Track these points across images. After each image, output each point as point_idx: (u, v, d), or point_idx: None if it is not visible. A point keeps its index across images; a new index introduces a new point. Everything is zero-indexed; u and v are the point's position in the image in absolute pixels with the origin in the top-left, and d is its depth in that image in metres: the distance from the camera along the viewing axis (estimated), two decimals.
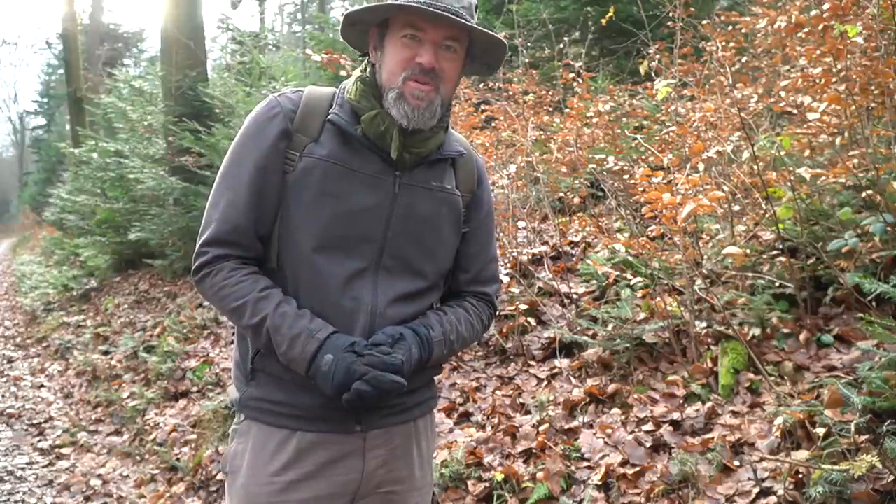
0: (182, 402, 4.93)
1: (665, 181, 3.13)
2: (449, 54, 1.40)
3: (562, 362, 3.39)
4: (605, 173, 4.64)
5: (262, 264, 1.44)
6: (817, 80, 3.38)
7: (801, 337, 2.86)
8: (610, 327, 3.31)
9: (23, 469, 4.53)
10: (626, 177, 4.22)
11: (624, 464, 2.61)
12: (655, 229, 3.52)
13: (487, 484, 2.75)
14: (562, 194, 5.02)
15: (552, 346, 3.53)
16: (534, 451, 2.85)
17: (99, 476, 4.37)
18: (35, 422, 5.55)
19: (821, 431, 2.28)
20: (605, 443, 2.76)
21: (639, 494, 2.46)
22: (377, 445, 1.46)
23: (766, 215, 3.23)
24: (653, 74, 4.73)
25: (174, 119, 7.46)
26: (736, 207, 3.54)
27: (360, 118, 1.41)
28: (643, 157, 4.55)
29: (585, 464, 2.70)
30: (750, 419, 2.61)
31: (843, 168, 3.07)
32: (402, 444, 1.51)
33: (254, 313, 1.35)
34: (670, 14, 4.48)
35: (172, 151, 7.44)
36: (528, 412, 3.14)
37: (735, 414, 2.67)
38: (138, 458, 4.52)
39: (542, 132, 5.67)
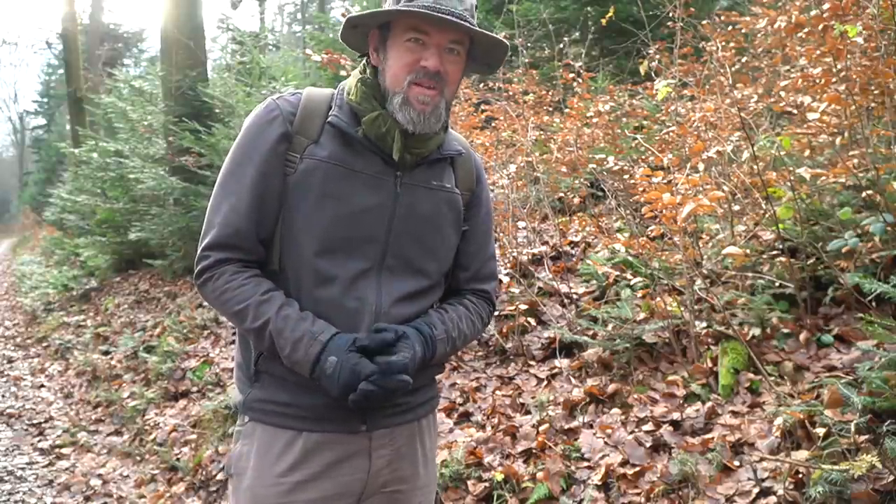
0: (182, 402, 4.93)
1: (665, 181, 3.13)
2: (452, 57, 1.40)
3: (562, 362, 3.39)
4: (605, 173, 4.64)
5: (263, 267, 1.44)
6: (817, 80, 3.38)
7: (801, 337, 2.86)
8: (610, 327, 3.31)
9: (23, 469, 4.53)
10: (626, 177, 4.22)
11: (624, 464, 2.61)
12: (655, 229, 3.52)
13: (487, 484, 2.75)
14: (562, 194, 5.02)
15: (552, 346, 3.53)
16: (534, 451, 2.85)
17: (99, 476, 4.37)
18: (35, 422, 5.55)
19: (821, 431, 2.28)
20: (605, 443, 2.76)
21: (639, 494, 2.46)
22: (382, 445, 1.47)
23: (766, 215, 3.23)
24: (653, 74, 4.73)
25: (174, 119, 7.46)
26: (736, 207, 3.54)
27: (361, 120, 1.41)
28: (643, 157, 4.55)
29: (585, 464, 2.70)
30: (750, 419, 2.61)
31: (843, 168, 3.07)
32: (407, 444, 1.51)
33: (256, 317, 1.35)
34: (670, 14, 4.49)
35: (172, 151, 7.44)
36: (528, 412, 3.14)
37: (735, 414, 2.67)
38: (138, 458, 4.52)
39: (542, 132, 5.67)
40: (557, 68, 5.88)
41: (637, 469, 2.56)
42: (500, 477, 2.73)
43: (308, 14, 32.71)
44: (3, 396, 6.28)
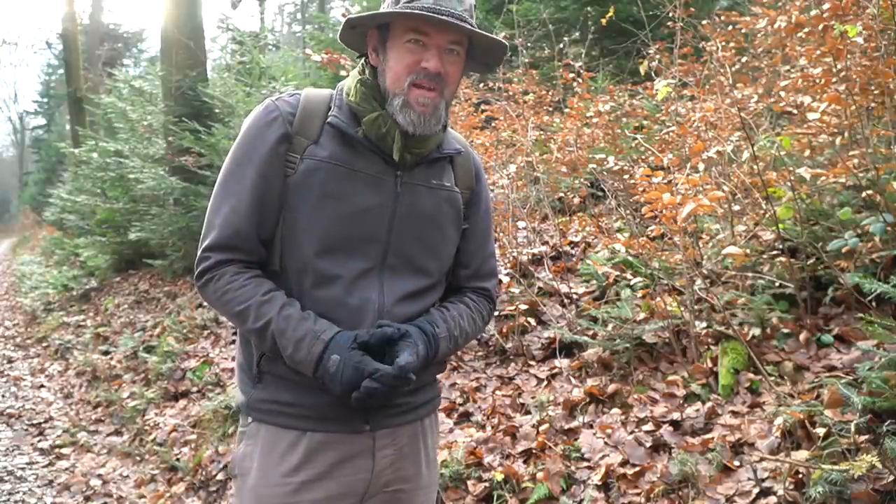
0: (182, 402, 4.93)
1: (665, 181, 3.13)
2: (452, 57, 1.41)
3: (562, 362, 3.39)
4: (605, 173, 4.65)
5: (264, 268, 1.44)
6: (817, 80, 3.38)
7: (801, 337, 2.86)
8: (610, 327, 3.31)
9: (23, 469, 4.53)
10: (626, 177, 4.22)
11: (624, 464, 2.61)
12: (655, 229, 3.52)
13: (487, 484, 2.75)
14: (562, 194, 5.02)
15: (552, 346, 3.53)
16: (534, 451, 2.85)
17: (99, 476, 4.37)
18: (35, 422, 5.55)
19: (821, 431, 2.28)
20: (605, 443, 2.76)
21: (639, 494, 2.46)
22: (386, 445, 1.47)
23: (766, 215, 3.23)
24: (653, 74, 4.73)
25: (174, 119, 7.46)
26: (736, 207, 3.54)
27: (361, 120, 1.42)
28: (643, 157, 4.55)
29: (585, 464, 2.70)
30: (750, 419, 2.61)
31: (843, 168, 3.07)
32: (410, 443, 1.52)
33: (258, 317, 1.35)
34: (670, 14, 4.49)
35: (172, 151, 7.44)
36: (528, 412, 3.14)
37: (735, 414, 2.67)
38: (138, 458, 4.52)
39: (542, 132, 5.67)
40: (557, 68, 5.88)
41: (637, 469, 2.56)
42: (500, 477, 2.73)
43: (308, 14, 32.71)
44: (3, 396, 6.28)
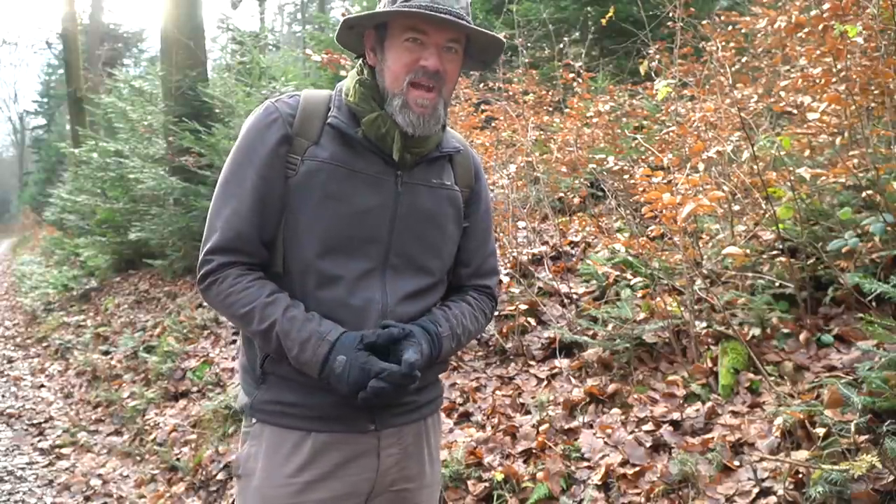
0: (182, 402, 4.93)
1: (665, 181, 3.13)
2: (450, 55, 1.41)
3: (562, 362, 3.40)
4: (605, 173, 4.65)
5: (267, 270, 1.44)
6: (817, 80, 3.38)
7: (801, 337, 2.86)
8: (610, 327, 3.31)
9: (23, 469, 4.53)
10: (626, 177, 4.22)
11: (624, 464, 2.61)
12: (655, 229, 3.52)
13: (487, 484, 2.75)
14: (562, 194, 5.02)
15: (552, 346, 3.53)
16: (534, 451, 2.85)
17: (99, 476, 4.37)
18: (35, 422, 5.55)
19: (821, 431, 2.28)
20: (605, 443, 2.76)
21: (639, 494, 2.46)
22: (391, 444, 1.48)
23: (766, 215, 3.23)
24: (653, 74, 4.73)
25: (174, 119, 7.46)
26: (736, 207, 3.54)
27: (360, 120, 1.42)
28: (643, 157, 4.55)
29: (585, 464, 2.70)
30: (750, 419, 2.61)
31: (843, 168, 3.07)
32: (414, 443, 1.52)
33: (262, 319, 1.35)
34: (670, 14, 4.48)
35: (172, 151, 7.44)
36: (528, 412, 3.14)
37: (735, 414, 2.67)
38: (138, 458, 4.52)
39: (542, 132, 5.67)
40: (557, 68, 5.88)
41: (637, 469, 2.56)
42: (500, 477, 2.73)
43: (308, 14, 32.72)
44: (3, 396, 6.28)
